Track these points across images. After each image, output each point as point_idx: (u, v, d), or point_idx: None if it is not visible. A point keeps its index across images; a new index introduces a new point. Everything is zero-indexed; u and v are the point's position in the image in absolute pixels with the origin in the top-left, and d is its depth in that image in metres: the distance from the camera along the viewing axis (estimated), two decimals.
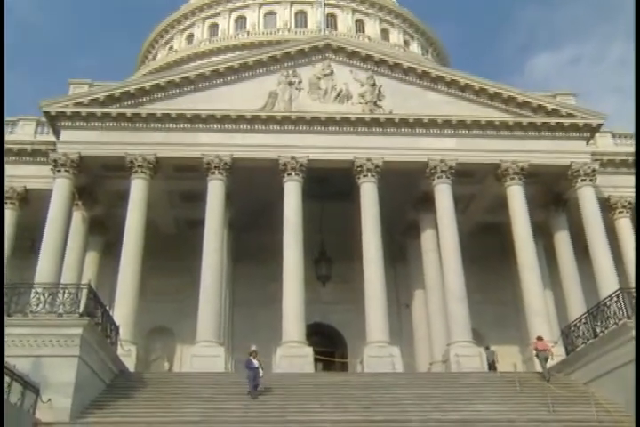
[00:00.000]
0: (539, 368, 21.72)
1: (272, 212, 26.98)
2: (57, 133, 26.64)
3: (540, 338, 22.14)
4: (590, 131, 27.63)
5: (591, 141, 28.50)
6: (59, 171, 25.69)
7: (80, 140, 26.01)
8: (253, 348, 19.35)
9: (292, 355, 22.64)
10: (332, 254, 29.27)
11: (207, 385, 19.28)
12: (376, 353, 23.10)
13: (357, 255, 25.73)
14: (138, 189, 25.76)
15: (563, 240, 28.10)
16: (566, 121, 27.22)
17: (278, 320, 23.95)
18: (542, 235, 28.73)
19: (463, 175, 27.11)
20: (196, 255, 25.09)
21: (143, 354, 25.67)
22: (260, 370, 18.65)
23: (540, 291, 24.97)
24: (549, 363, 21.12)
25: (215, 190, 25.97)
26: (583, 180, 26.93)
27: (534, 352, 22.00)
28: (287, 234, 25.12)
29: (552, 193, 28.73)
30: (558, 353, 21.76)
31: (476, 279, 29.03)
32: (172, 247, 30.05)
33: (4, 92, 21.43)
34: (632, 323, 17.06)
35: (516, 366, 21.13)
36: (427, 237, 28.01)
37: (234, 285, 30.07)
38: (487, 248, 30.94)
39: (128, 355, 21.33)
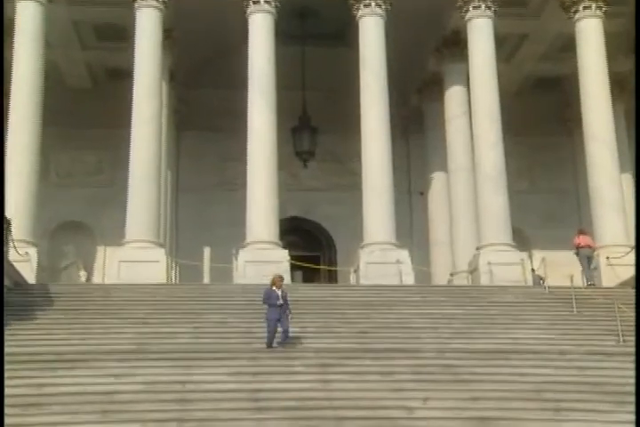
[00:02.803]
0: (605, 282, 22.14)
1: (232, 59, 26.30)
2: None
3: (582, 231, 22.96)
4: None
5: None
6: None
7: None
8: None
9: (261, 260, 22.75)
10: (317, 122, 28.99)
11: (143, 302, 19.37)
12: (377, 259, 23.27)
13: (354, 123, 25.24)
14: (28, 16, 24.32)
15: None
16: None
17: (241, 213, 23.93)
18: (623, 94, 28.22)
19: (511, 4, 26.24)
20: (122, 120, 24.59)
21: (48, 260, 25.81)
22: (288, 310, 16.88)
23: (614, 173, 24.68)
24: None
25: (148, 24, 24.90)
26: None
27: (574, 250, 22.93)
28: (253, 91, 24.54)
29: None
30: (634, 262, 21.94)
31: (522, 159, 29.24)
32: (86, 108, 29.61)
33: (3, 90, 22.37)
34: None
35: (573, 280, 21.30)
36: (453, 96, 27.60)
37: (178, 163, 30.21)
38: (540, 114, 30.73)
39: (26, 261, 21.27)
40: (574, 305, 19.35)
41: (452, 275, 27.04)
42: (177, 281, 24.78)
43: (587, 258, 22.88)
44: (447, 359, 15.70)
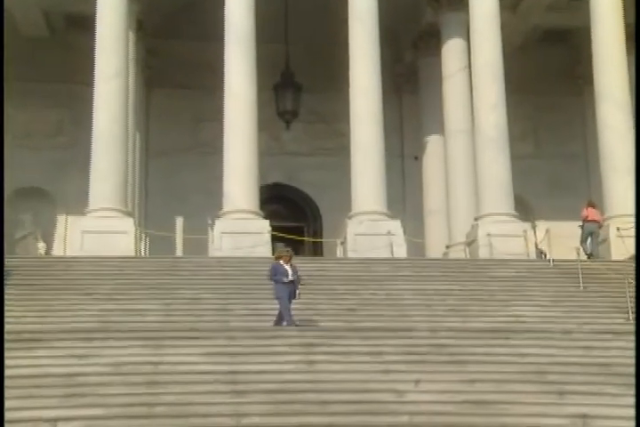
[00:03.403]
0: (614, 255, 22.40)
1: (208, 6, 26.08)
2: None
3: (591, 204, 23.31)
4: None
5: None
6: None
7: None
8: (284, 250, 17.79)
9: (239, 231, 22.89)
10: (301, 78, 28.98)
11: (108, 276, 19.41)
12: (367, 230, 23.42)
13: (342, 80, 25.16)
14: None
15: None
16: None
17: (217, 179, 24.01)
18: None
19: None
20: (85, 74, 24.51)
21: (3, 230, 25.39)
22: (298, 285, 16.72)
23: (627, 137, 24.76)
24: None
25: None
26: None
27: (580, 223, 23.39)
28: (230, 43, 24.43)
29: None
30: None
31: (526, 120, 29.26)
32: (44, 60, 29.33)
33: (3, 92, 22.80)
34: None
35: (580, 252, 21.57)
36: (451, 50, 27.44)
37: (148, 123, 30.13)
38: (547, 70, 30.66)
39: None
40: (580, 280, 19.52)
41: (447, 247, 27.11)
42: (146, 254, 24.76)
43: (590, 233, 23.22)
44: (441, 339, 15.72)
